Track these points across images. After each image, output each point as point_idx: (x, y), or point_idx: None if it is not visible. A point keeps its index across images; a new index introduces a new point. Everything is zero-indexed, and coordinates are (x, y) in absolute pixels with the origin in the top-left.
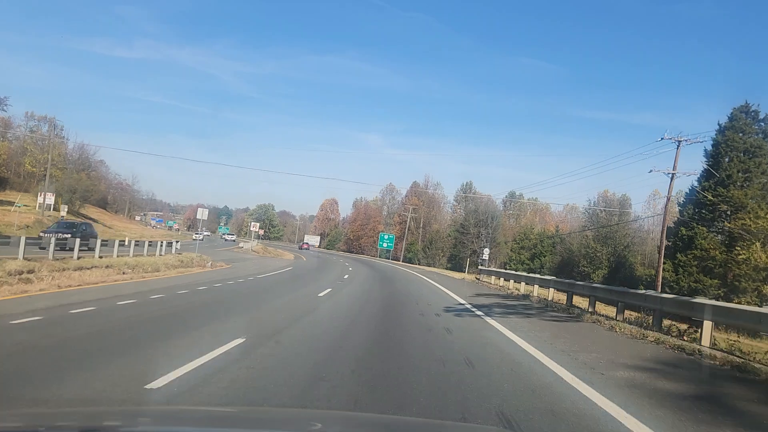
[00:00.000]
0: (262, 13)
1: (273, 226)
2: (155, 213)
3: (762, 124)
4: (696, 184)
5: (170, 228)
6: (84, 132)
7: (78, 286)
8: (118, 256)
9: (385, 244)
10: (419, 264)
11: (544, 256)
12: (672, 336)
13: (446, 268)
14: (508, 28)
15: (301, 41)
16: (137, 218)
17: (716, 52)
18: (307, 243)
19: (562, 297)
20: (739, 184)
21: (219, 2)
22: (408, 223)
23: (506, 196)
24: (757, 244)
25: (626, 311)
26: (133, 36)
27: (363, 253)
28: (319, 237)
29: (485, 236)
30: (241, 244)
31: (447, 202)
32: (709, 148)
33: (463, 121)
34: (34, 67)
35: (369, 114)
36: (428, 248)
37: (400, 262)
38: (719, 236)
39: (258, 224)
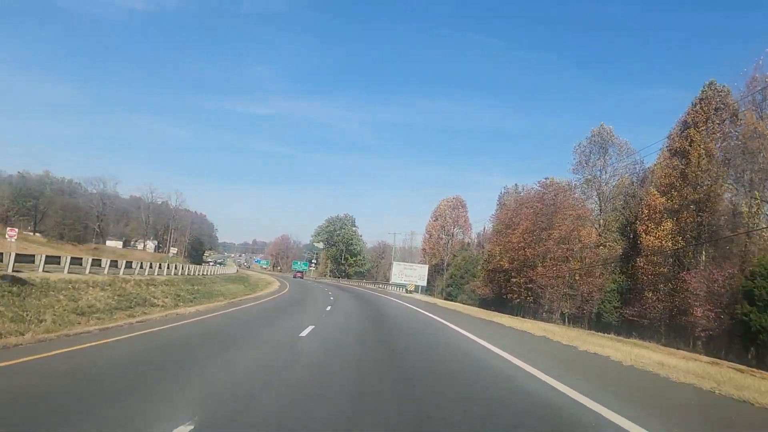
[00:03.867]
0: (378, 64)
1: (353, 254)
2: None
3: None
4: None
5: (264, 267)
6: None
7: None
8: None
9: None
10: None
11: None
12: None
13: None
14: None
15: (416, 88)
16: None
17: None
18: (300, 272)
19: None
20: None
21: (339, 59)
22: None
23: None
24: None
25: None
26: (266, 94)
27: (541, 317)
28: (425, 269)
29: None
30: None
31: None
32: None
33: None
34: (171, 126)
35: (487, 154)
36: None
37: None
38: None
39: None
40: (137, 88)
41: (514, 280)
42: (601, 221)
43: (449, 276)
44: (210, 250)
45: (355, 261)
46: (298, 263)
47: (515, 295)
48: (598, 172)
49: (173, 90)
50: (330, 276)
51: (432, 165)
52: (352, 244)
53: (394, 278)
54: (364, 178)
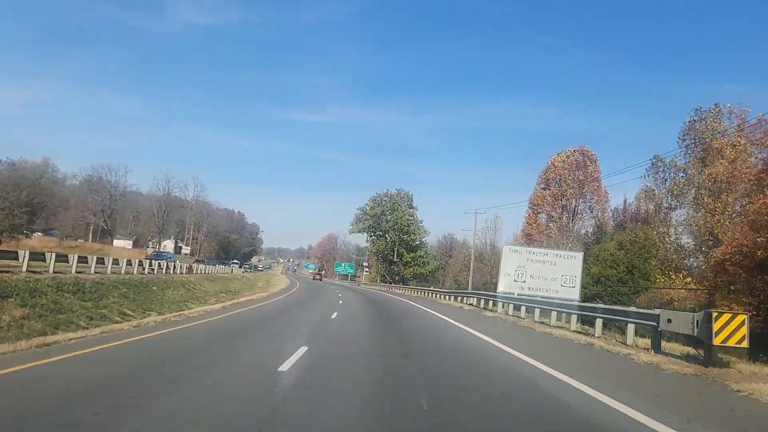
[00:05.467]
0: (437, 68)
1: (411, 249)
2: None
3: None
4: None
5: (311, 271)
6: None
7: None
8: None
9: None
10: None
11: None
12: None
13: None
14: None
15: (475, 91)
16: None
17: None
18: (320, 273)
19: None
20: None
21: (396, 65)
22: None
23: None
24: None
25: None
26: (322, 101)
27: None
28: (577, 260)
29: None
30: None
31: None
32: None
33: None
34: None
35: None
36: None
37: None
38: None
39: None
40: (197, 100)
41: None
42: None
43: (593, 279)
44: (256, 254)
45: (413, 258)
46: (342, 265)
47: None
48: None
49: (233, 101)
50: (380, 280)
51: (491, 168)
52: (409, 233)
53: (505, 284)
54: (421, 184)
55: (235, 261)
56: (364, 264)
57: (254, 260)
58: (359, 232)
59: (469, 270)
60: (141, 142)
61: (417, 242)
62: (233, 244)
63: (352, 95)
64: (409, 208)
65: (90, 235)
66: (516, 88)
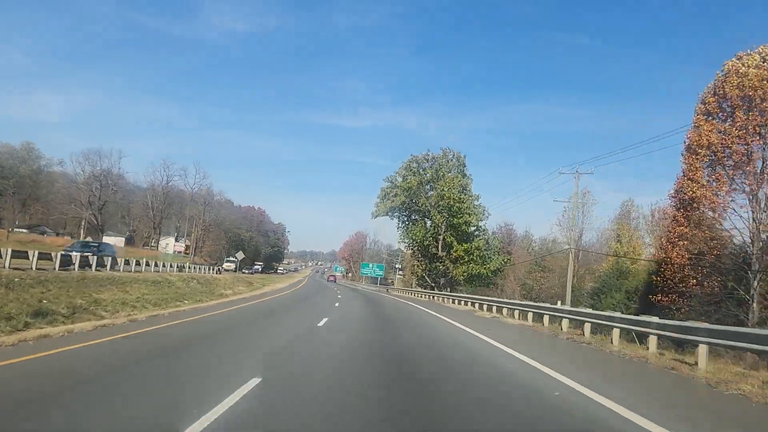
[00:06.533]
0: (467, 71)
1: (463, 237)
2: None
3: None
4: None
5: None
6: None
7: None
8: None
9: None
10: None
11: None
12: None
13: None
14: None
15: (504, 91)
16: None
17: None
18: (334, 275)
19: None
20: None
21: (427, 68)
22: None
23: None
24: None
25: None
26: (356, 106)
27: None
28: None
29: None
30: None
31: None
32: None
33: None
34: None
35: (578, 159)
36: None
37: None
38: None
39: None
40: (232, 105)
41: None
42: None
43: None
44: (283, 256)
45: (468, 252)
46: (369, 266)
47: None
48: None
49: (266, 105)
50: (416, 284)
51: (528, 171)
52: (461, 214)
53: None
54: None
55: (230, 259)
56: (398, 266)
57: (284, 262)
58: (386, 214)
59: (552, 272)
60: (176, 146)
61: (472, 226)
62: (248, 243)
63: (383, 99)
64: (462, 176)
65: (81, 231)
66: (560, 89)
